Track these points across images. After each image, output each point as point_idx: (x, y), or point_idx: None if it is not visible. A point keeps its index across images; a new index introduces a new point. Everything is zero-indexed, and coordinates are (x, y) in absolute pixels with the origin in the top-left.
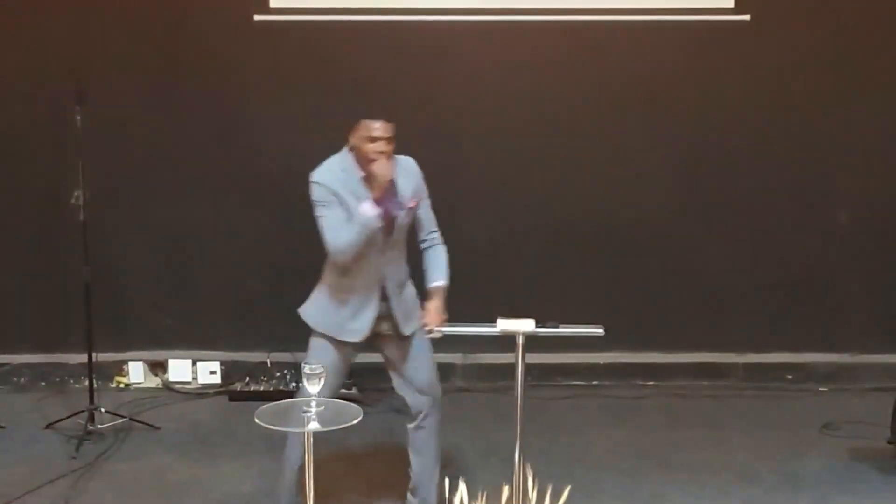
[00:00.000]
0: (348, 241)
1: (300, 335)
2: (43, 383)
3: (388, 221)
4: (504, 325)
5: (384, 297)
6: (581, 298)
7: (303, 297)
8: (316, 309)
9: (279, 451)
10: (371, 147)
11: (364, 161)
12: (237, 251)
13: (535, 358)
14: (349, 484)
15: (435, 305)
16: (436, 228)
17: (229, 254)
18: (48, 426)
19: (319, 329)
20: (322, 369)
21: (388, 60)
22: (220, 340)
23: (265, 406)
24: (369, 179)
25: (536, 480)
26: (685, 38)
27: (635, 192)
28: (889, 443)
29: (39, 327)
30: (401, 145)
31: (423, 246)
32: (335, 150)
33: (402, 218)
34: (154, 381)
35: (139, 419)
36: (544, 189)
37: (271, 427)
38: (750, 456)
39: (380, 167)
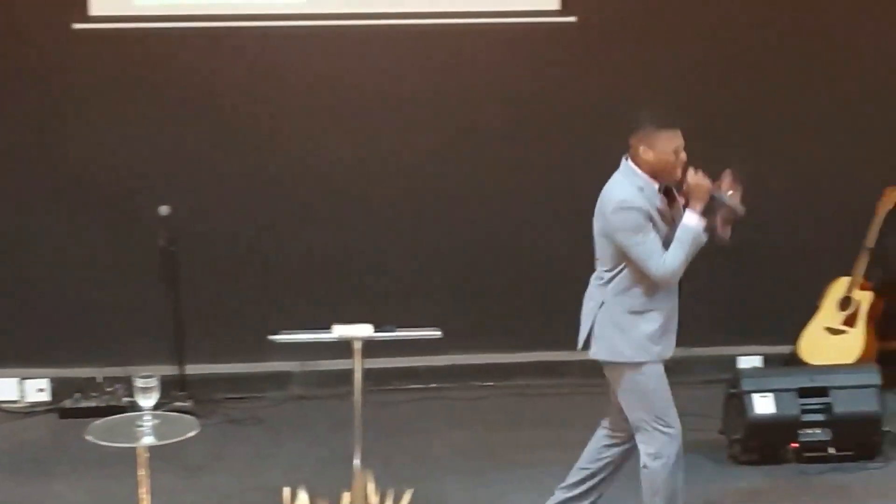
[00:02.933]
0: (681, 261)
1: (132, 349)
2: None
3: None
4: (340, 330)
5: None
6: (419, 302)
7: (135, 309)
8: (640, 341)
9: (112, 467)
10: (678, 159)
11: (665, 173)
12: (64, 263)
13: (374, 363)
14: (189, 498)
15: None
16: None
17: (56, 266)
18: None
19: (652, 357)
20: (155, 381)
21: (216, 68)
22: (49, 356)
23: (97, 422)
24: (664, 192)
25: (378, 486)
26: (510, 41)
27: (463, 194)
28: (720, 433)
29: None
30: (236, 154)
31: None
32: (169, 156)
33: None
34: None
35: None
36: (381, 195)
37: (103, 443)
38: None
39: (697, 178)
